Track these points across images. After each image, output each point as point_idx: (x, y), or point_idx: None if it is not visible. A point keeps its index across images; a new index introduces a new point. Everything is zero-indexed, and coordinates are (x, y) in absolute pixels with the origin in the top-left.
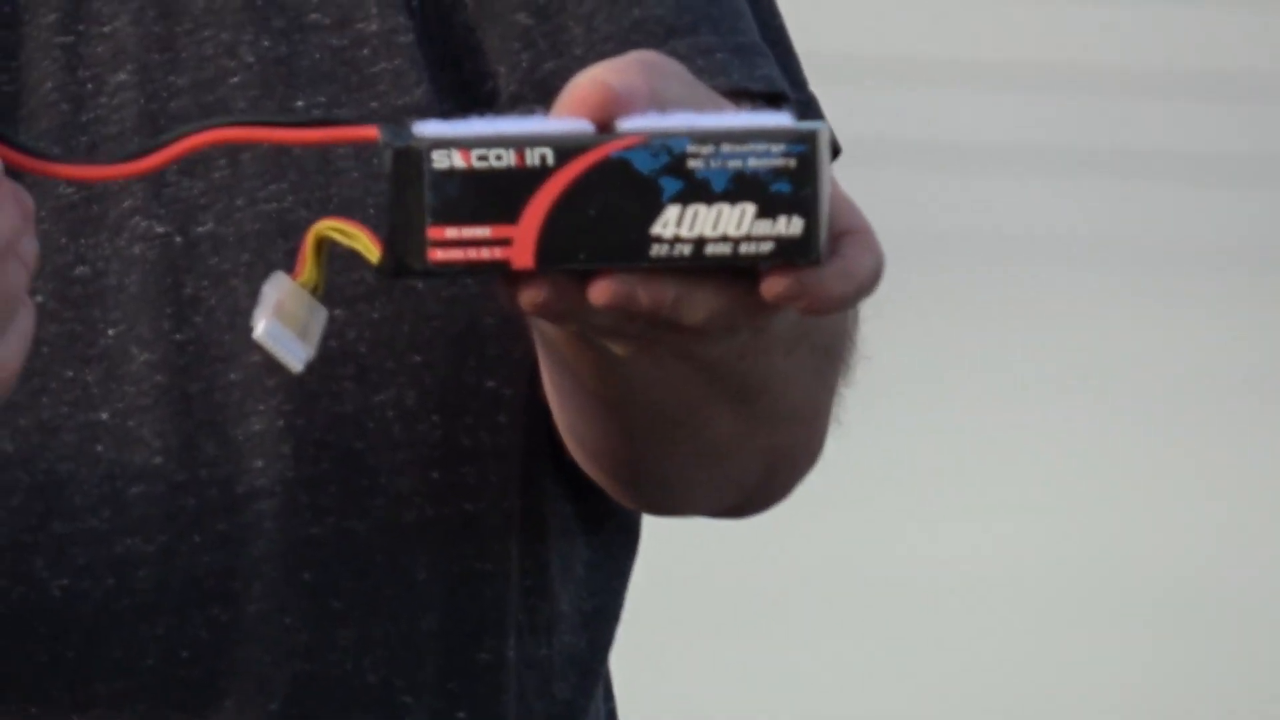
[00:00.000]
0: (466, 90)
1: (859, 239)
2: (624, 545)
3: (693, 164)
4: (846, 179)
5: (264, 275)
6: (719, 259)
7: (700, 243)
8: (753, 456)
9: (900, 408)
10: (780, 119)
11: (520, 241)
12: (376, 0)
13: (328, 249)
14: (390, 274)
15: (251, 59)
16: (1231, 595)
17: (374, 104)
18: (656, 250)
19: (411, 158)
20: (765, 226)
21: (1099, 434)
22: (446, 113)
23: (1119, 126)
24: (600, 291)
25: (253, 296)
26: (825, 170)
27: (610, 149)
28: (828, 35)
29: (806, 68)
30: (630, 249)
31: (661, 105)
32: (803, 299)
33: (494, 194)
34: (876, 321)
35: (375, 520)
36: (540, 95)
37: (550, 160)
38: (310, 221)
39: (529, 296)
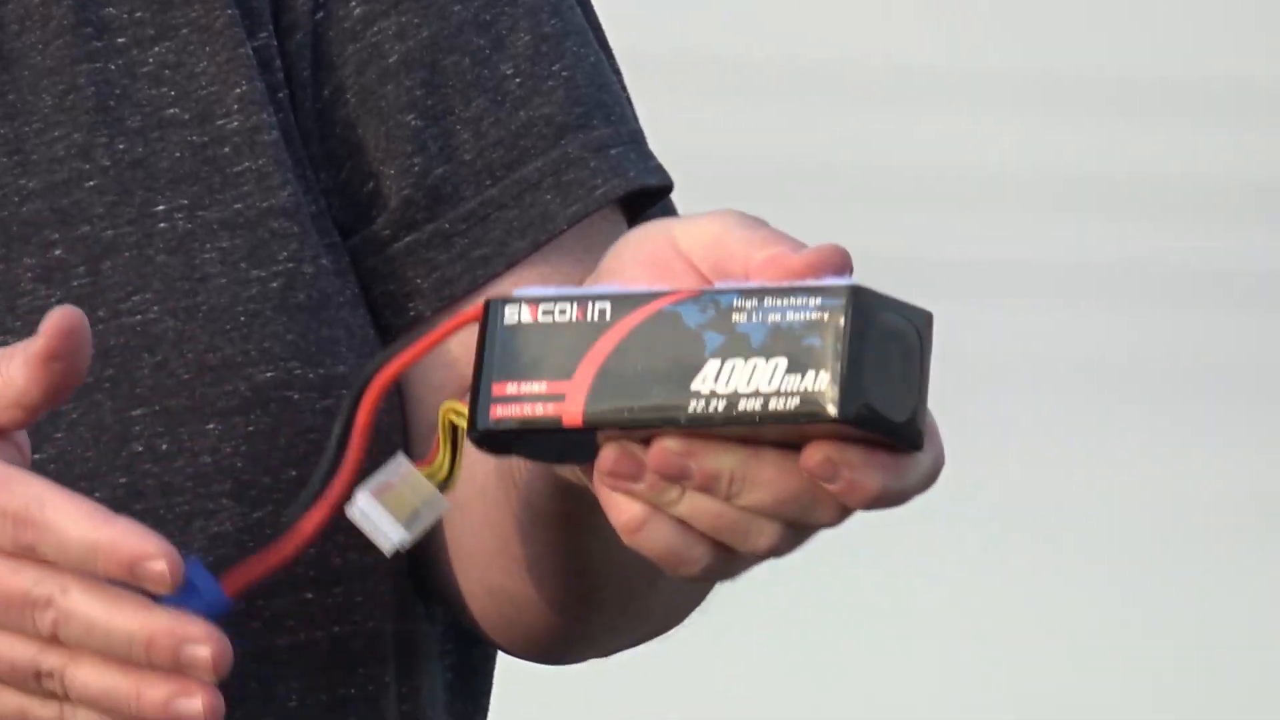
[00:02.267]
0: (346, 190)
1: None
2: (483, 666)
3: (736, 317)
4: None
5: (129, 390)
6: (749, 415)
7: (734, 398)
8: (668, 620)
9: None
10: (840, 280)
11: (571, 397)
12: (238, 96)
13: (461, 434)
14: (473, 439)
15: (107, 162)
16: None
17: (238, 205)
18: (695, 406)
19: (489, 313)
20: (794, 381)
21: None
22: (318, 215)
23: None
24: (653, 457)
25: (118, 414)
26: (872, 334)
27: (664, 302)
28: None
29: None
30: (671, 404)
31: None
32: (834, 479)
33: (553, 349)
34: None
35: (250, 645)
36: (433, 201)
37: (608, 314)
38: (178, 333)
39: (605, 464)
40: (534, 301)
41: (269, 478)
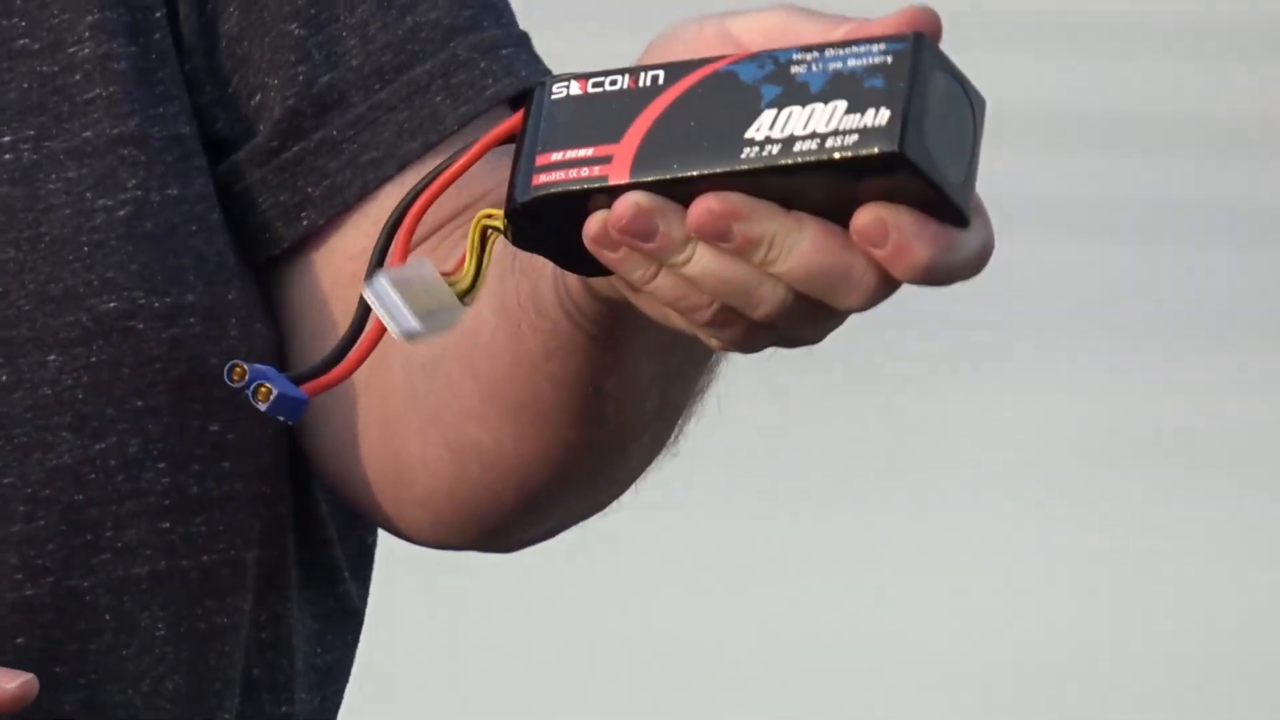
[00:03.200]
0: (233, 104)
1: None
2: (355, 600)
3: (795, 70)
4: None
5: None
6: (806, 155)
7: (789, 141)
8: (616, 493)
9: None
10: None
11: (619, 158)
12: (90, 24)
13: (491, 245)
14: (506, 214)
15: None
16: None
17: (87, 134)
18: (747, 153)
19: (535, 94)
20: (853, 120)
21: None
22: (185, 138)
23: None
24: (696, 213)
25: None
26: (934, 85)
27: (721, 64)
28: None
29: None
30: (722, 153)
31: None
32: (883, 245)
33: (603, 117)
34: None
35: (103, 576)
36: (320, 109)
37: (661, 80)
38: (20, 263)
39: (615, 215)
40: (584, 76)
41: (112, 409)
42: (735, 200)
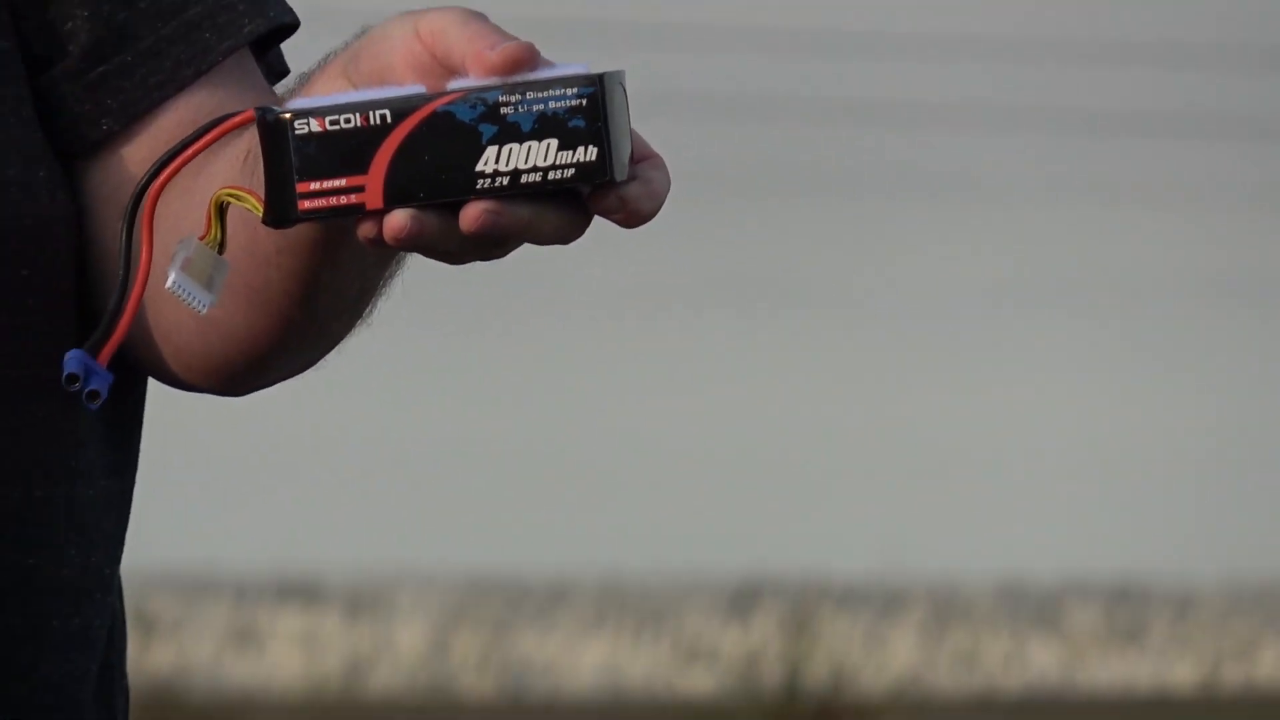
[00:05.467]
0: (50, 30)
1: (655, 162)
2: None
3: (504, 110)
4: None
5: None
6: (533, 185)
7: (516, 174)
8: (326, 351)
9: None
10: (576, 69)
11: (370, 187)
12: None
13: (227, 211)
14: (274, 224)
15: None
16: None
17: None
18: (481, 184)
19: (279, 128)
20: (567, 156)
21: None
22: (4, 50)
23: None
24: (471, 219)
25: None
26: (614, 107)
27: (436, 105)
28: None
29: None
30: (460, 184)
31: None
32: (621, 212)
33: (346, 151)
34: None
35: None
36: (118, 39)
37: (389, 119)
38: None
39: (394, 229)
40: (320, 114)
41: None
42: (493, 204)
